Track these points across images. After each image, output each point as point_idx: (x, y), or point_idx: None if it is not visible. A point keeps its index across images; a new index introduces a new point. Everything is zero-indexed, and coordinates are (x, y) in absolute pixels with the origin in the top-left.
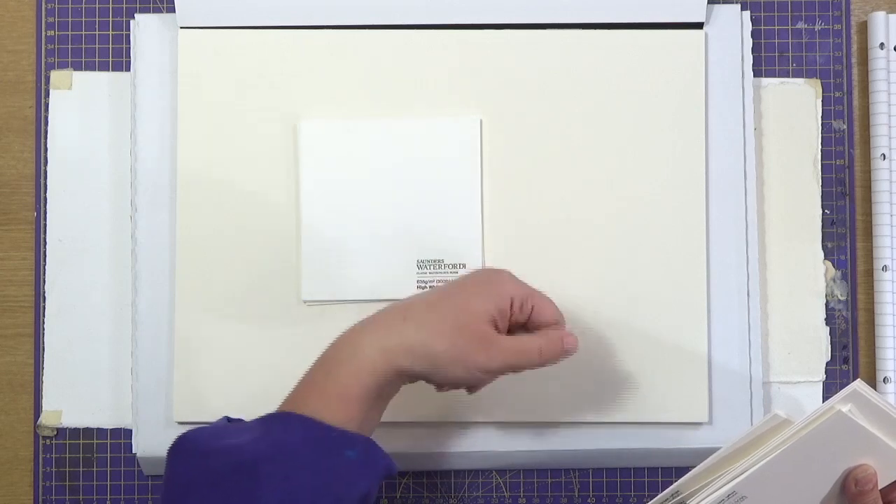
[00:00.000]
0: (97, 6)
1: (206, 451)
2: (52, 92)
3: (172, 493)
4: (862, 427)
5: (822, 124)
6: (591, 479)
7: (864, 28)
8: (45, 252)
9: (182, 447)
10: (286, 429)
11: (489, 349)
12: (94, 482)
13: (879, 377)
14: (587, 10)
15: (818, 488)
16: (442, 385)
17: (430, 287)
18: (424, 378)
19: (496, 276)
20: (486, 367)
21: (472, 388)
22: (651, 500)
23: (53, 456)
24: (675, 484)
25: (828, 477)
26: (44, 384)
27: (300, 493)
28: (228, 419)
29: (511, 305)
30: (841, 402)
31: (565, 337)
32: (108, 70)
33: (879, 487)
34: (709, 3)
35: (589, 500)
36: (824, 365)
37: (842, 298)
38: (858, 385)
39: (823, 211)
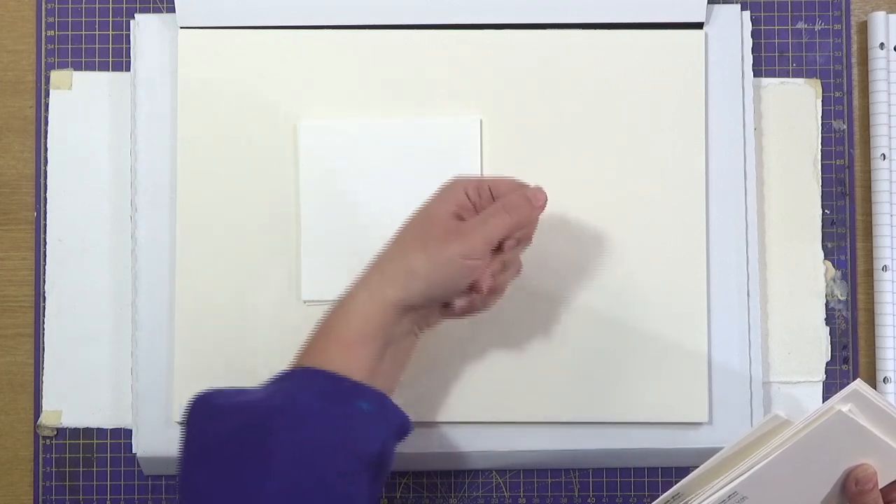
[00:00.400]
0: (97, 6)
1: (219, 410)
2: (52, 92)
3: (190, 451)
4: (862, 427)
5: (822, 124)
6: (591, 479)
7: (864, 28)
8: (45, 252)
9: (198, 407)
10: (296, 383)
11: (461, 235)
12: (94, 482)
13: (879, 377)
14: (587, 10)
15: (819, 488)
16: (448, 303)
17: None
18: (424, 302)
19: (447, 183)
20: (466, 252)
21: (477, 289)
22: (652, 500)
23: (53, 456)
24: (677, 486)
25: (828, 477)
26: (44, 384)
27: (312, 444)
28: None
29: (467, 196)
30: (841, 402)
31: (526, 189)
32: (108, 70)
33: (880, 487)
34: (709, 3)
35: (589, 500)
36: (824, 365)
37: (842, 298)
38: (859, 385)
39: (823, 211)
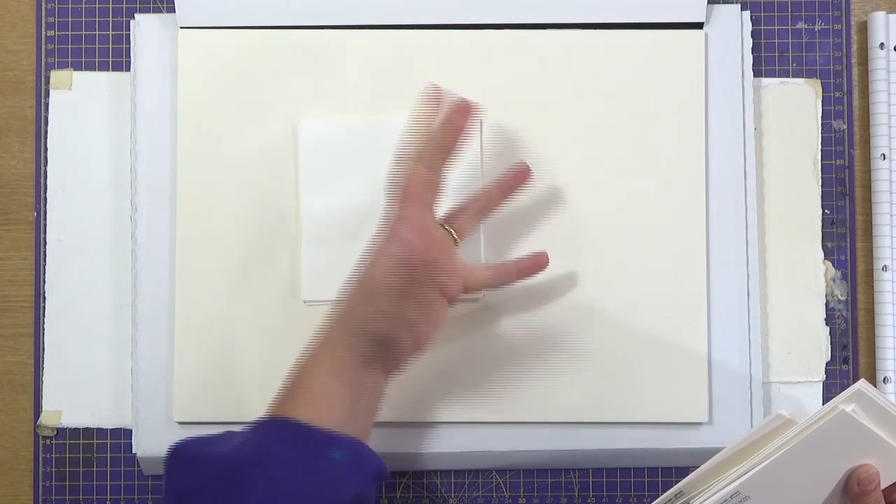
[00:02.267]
0: (97, 6)
1: (196, 459)
2: (52, 92)
3: (170, 501)
4: (865, 427)
5: (822, 124)
6: (591, 479)
7: (864, 28)
8: (45, 252)
9: (175, 456)
10: (270, 432)
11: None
12: (94, 482)
13: (879, 377)
14: (587, 10)
15: (821, 488)
16: (398, 354)
17: None
18: (376, 351)
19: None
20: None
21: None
22: (652, 500)
23: (53, 456)
24: (679, 484)
25: (831, 476)
26: (44, 384)
27: (286, 495)
28: (229, 432)
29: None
30: (844, 402)
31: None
32: (108, 70)
33: (882, 487)
34: (709, 3)
35: (589, 500)
36: (824, 365)
37: (842, 298)
38: (862, 385)
39: (823, 211)
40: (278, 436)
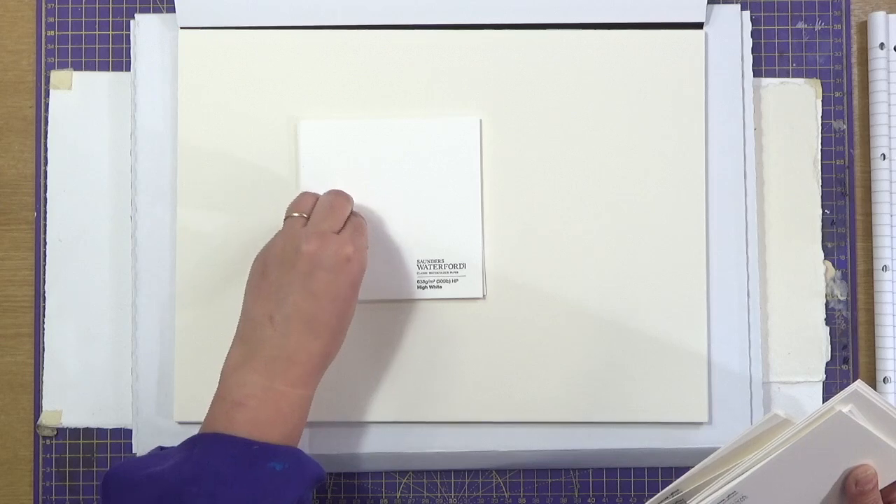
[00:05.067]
0: (97, 6)
1: (132, 484)
2: (52, 92)
3: None
4: (862, 427)
5: (822, 124)
6: (591, 479)
7: (864, 28)
8: (45, 252)
9: (110, 484)
10: (207, 449)
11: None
12: (94, 482)
13: (879, 377)
14: (587, 10)
15: (819, 488)
16: (328, 355)
17: (429, 287)
18: (308, 351)
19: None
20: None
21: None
22: (650, 499)
23: (53, 456)
24: (675, 482)
25: (828, 477)
26: (44, 384)
27: None
28: (162, 448)
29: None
30: (841, 403)
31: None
32: (108, 70)
33: (880, 488)
34: (709, 3)
35: (589, 500)
36: (824, 365)
37: (842, 298)
38: (859, 385)
39: (823, 211)
40: (217, 452)
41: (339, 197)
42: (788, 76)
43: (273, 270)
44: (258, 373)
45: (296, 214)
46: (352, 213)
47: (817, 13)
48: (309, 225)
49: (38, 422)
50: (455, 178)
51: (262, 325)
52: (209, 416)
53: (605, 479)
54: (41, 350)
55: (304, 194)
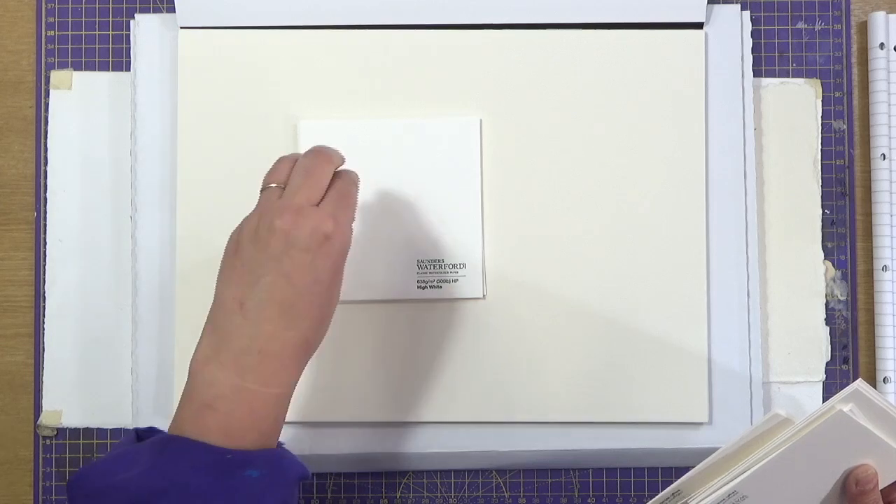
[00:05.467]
0: (97, 6)
1: (100, 490)
2: (52, 92)
3: None
4: (863, 427)
5: (822, 124)
6: (591, 479)
7: (864, 28)
8: (45, 252)
9: (76, 487)
10: (176, 458)
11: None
12: None
13: (879, 377)
14: (587, 10)
15: (819, 488)
16: (312, 344)
17: (429, 287)
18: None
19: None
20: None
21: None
22: (651, 499)
23: (53, 456)
24: (676, 483)
25: (828, 476)
26: (44, 384)
27: None
28: (137, 432)
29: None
30: (842, 402)
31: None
32: (108, 70)
33: (880, 487)
34: (709, 3)
35: (589, 500)
36: (824, 365)
37: (842, 298)
38: (860, 385)
39: (823, 211)
40: (188, 461)
41: (317, 158)
42: (788, 76)
43: (246, 249)
44: (228, 368)
45: (273, 185)
46: (337, 174)
47: (817, 13)
48: (283, 196)
49: (38, 422)
50: (455, 178)
51: (231, 312)
52: (178, 415)
53: (605, 479)
54: (41, 350)
55: (281, 159)
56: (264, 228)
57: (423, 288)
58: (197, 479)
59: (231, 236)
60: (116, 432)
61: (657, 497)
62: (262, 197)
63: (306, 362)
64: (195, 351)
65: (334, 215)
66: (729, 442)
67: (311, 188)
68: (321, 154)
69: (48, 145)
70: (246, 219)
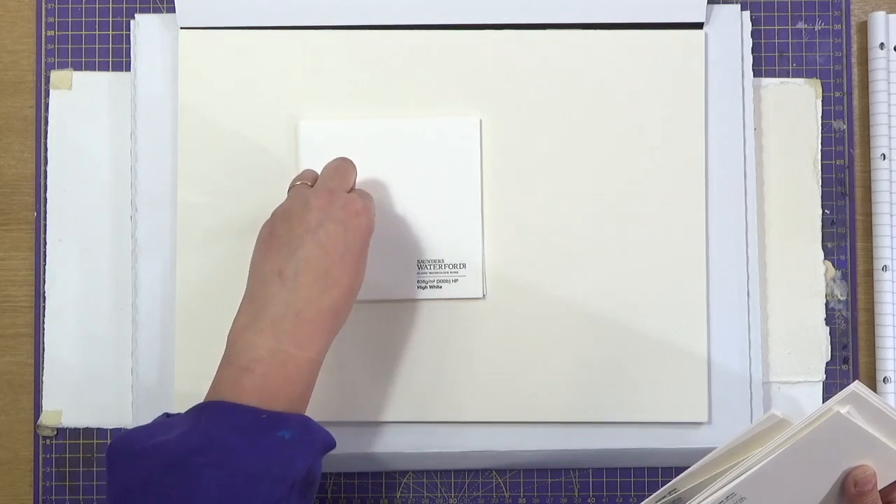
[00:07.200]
0: (97, 6)
1: (139, 452)
2: (52, 92)
3: (113, 498)
4: (861, 428)
5: (822, 124)
6: (591, 479)
7: (864, 28)
8: (45, 252)
9: (116, 451)
10: (213, 418)
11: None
12: (94, 482)
13: (879, 377)
14: (587, 10)
15: (817, 489)
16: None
17: (429, 287)
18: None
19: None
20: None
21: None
22: (648, 499)
23: (53, 456)
24: (673, 481)
25: (827, 478)
26: (44, 384)
27: (236, 480)
28: (168, 415)
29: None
30: (839, 404)
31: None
32: (108, 70)
33: (879, 488)
34: (709, 3)
35: (589, 500)
36: (824, 365)
37: (842, 298)
38: (857, 386)
39: (823, 211)
40: (224, 421)
41: (344, 161)
42: (788, 76)
43: (280, 227)
44: (265, 333)
45: (299, 183)
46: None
47: (817, 13)
48: (317, 184)
49: (38, 422)
50: (455, 178)
51: (270, 282)
52: (216, 382)
53: (605, 479)
54: (41, 350)
55: (308, 169)
56: (299, 206)
57: (423, 288)
58: (232, 437)
59: (264, 225)
60: (116, 432)
61: (653, 496)
62: (291, 192)
63: (335, 333)
64: (233, 322)
65: (362, 198)
66: (725, 441)
67: (341, 179)
68: (346, 159)
69: (48, 145)
70: (277, 208)
